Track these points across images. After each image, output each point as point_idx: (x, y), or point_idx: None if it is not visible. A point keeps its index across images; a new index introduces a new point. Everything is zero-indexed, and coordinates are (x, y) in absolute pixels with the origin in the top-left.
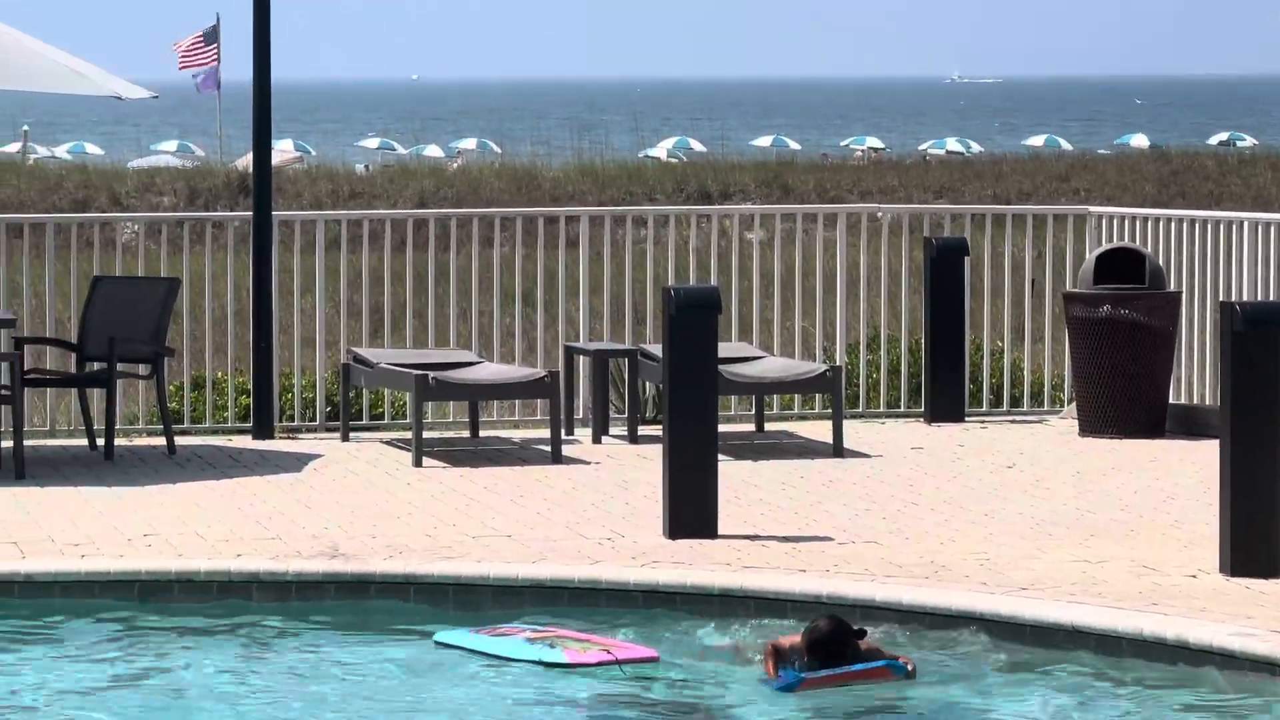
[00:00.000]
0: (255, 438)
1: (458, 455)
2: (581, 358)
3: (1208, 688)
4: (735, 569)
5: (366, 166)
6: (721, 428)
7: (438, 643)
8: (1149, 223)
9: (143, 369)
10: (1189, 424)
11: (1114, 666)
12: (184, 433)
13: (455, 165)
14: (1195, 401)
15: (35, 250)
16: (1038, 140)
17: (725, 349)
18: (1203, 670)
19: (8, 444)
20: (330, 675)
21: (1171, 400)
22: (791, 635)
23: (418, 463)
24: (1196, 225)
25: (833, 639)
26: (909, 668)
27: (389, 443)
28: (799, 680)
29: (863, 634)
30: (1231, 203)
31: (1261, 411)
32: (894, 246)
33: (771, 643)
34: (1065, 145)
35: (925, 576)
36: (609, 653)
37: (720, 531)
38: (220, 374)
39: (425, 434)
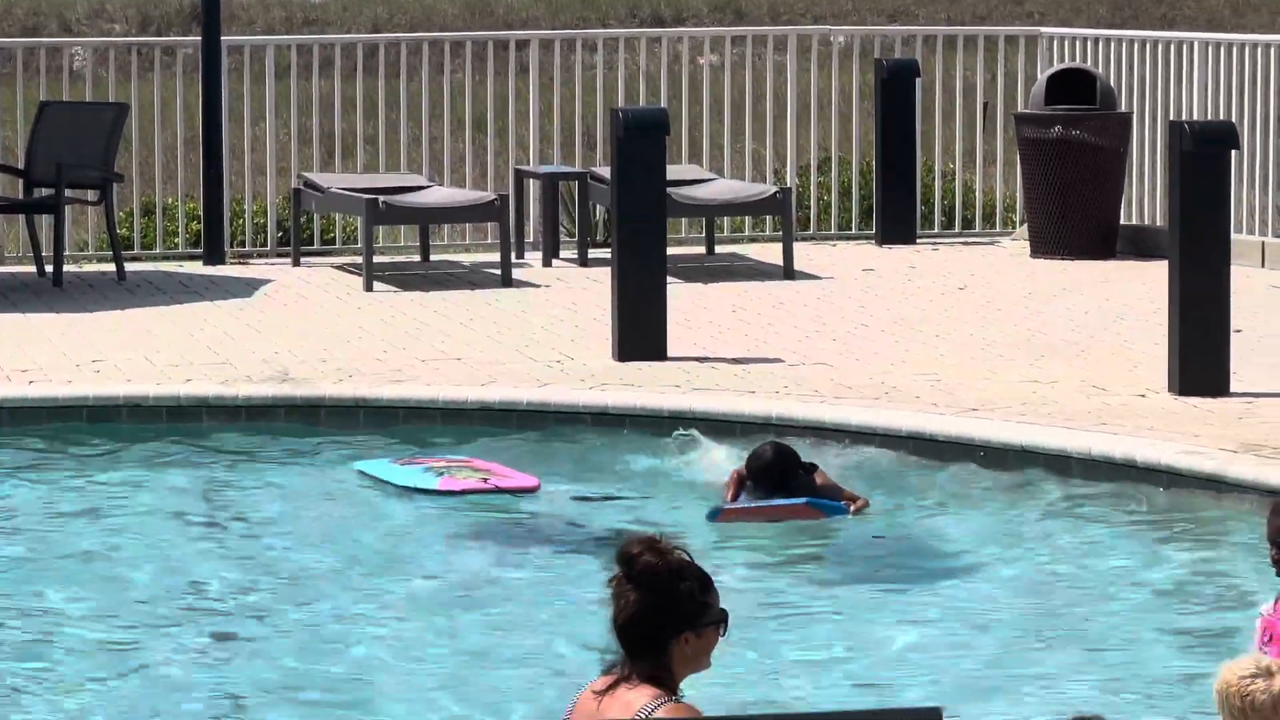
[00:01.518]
0: (206, 263)
1: (408, 279)
2: (532, 181)
3: (1155, 505)
4: (685, 391)
5: None
6: (671, 250)
7: (360, 472)
8: (1100, 44)
9: (91, 195)
10: (1139, 244)
11: (1064, 485)
12: (134, 259)
13: None
14: (1145, 222)
15: None
16: None
17: (675, 171)
18: (1151, 488)
19: None
20: (258, 500)
21: (1122, 221)
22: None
23: (368, 287)
24: (1147, 46)
25: (774, 467)
26: (852, 509)
27: (340, 267)
28: (718, 511)
29: (813, 467)
30: (1184, 25)
31: (1209, 231)
32: (845, 69)
33: (735, 472)
34: None
35: (875, 398)
36: (485, 481)
37: (670, 354)
38: (171, 200)
39: (376, 258)
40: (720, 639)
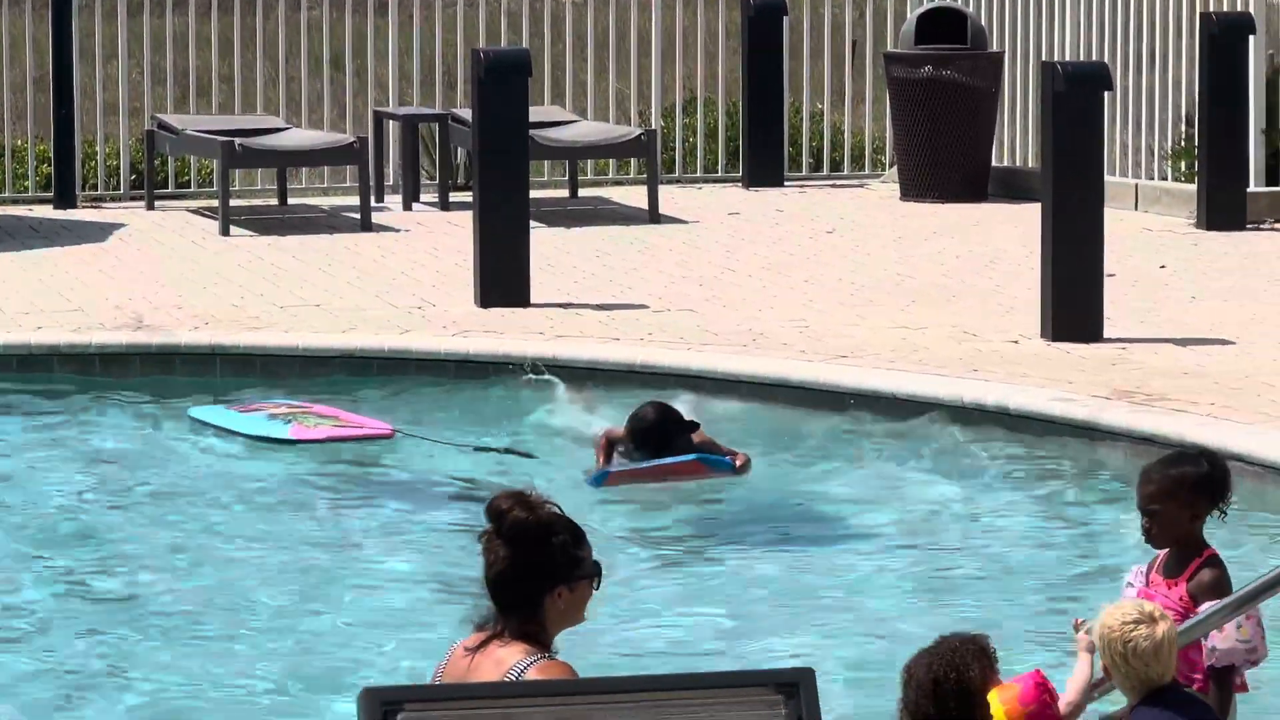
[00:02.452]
0: (57, 207)
1: (265, 223)
2: (391, 123)
3: (1027, 453)
4: (548, 338)
5: None
6: (534, 194)
7: (192, 418)
8: None
9: None
10: (1011, 187)
11: (934, 434)
12: None
13: None
14: (1018, 164)
15: None
16: None
17: (537, 113)
18: (1023, 435)
19: None
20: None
21: (994, 163)
22: (618, 427)
23: (225, 231)
24: None
25: (657, 428)
26: (737, 463)
27: (195, 211)
28: (604, 475)
29: (694, 426)
30: None
31: (1082, 172)
32: (712, 7)
33: (605, 433)
34: None
35: (744, 345)
36: (341, 428)
37: (533, 300)
38: (20, 141)
39: (232, 202)
40: (594, 592)
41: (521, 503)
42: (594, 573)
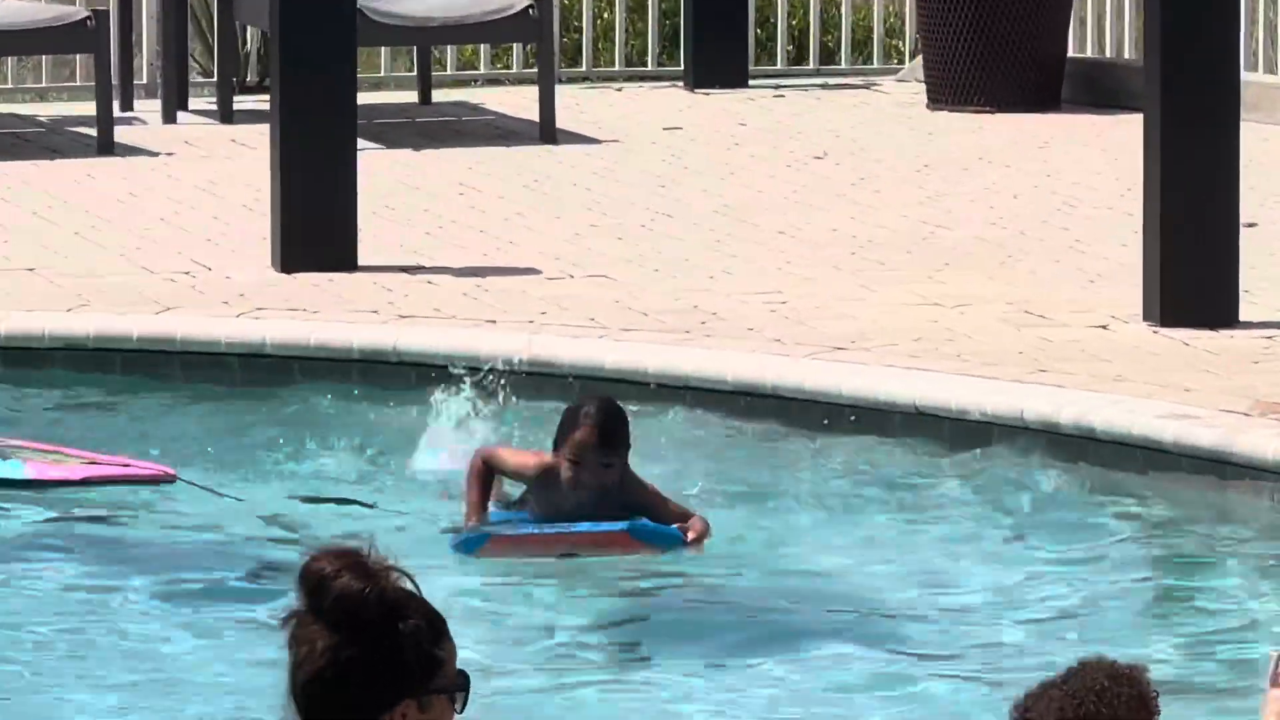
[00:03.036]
0: None
1: None
2: None
3: (1123, 495)
4: (386, 320)
5: None
6: (365, 99)
7: None
8: None
9: None
10: (1098, 90)
11: (980, 464)
12: None
13: None
14: (1107, 55)
15: None
16: None
17: None
18: (1117, 470)
19: None
20: None
21: (1071, 53)
22: (516, 450)
23: None
24: None
25: (614, 428)
26: (688, 536)
27: None
28: (480, 539)
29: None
30: None
31: (1207, 68)
32: None
33: (480, 458)
34: None
35: (686, 331)
36: (99, 467)
37: (361, 262)
38: None
39: None
40: (457, 717)
41: (353, 567)
42: (458, 686)
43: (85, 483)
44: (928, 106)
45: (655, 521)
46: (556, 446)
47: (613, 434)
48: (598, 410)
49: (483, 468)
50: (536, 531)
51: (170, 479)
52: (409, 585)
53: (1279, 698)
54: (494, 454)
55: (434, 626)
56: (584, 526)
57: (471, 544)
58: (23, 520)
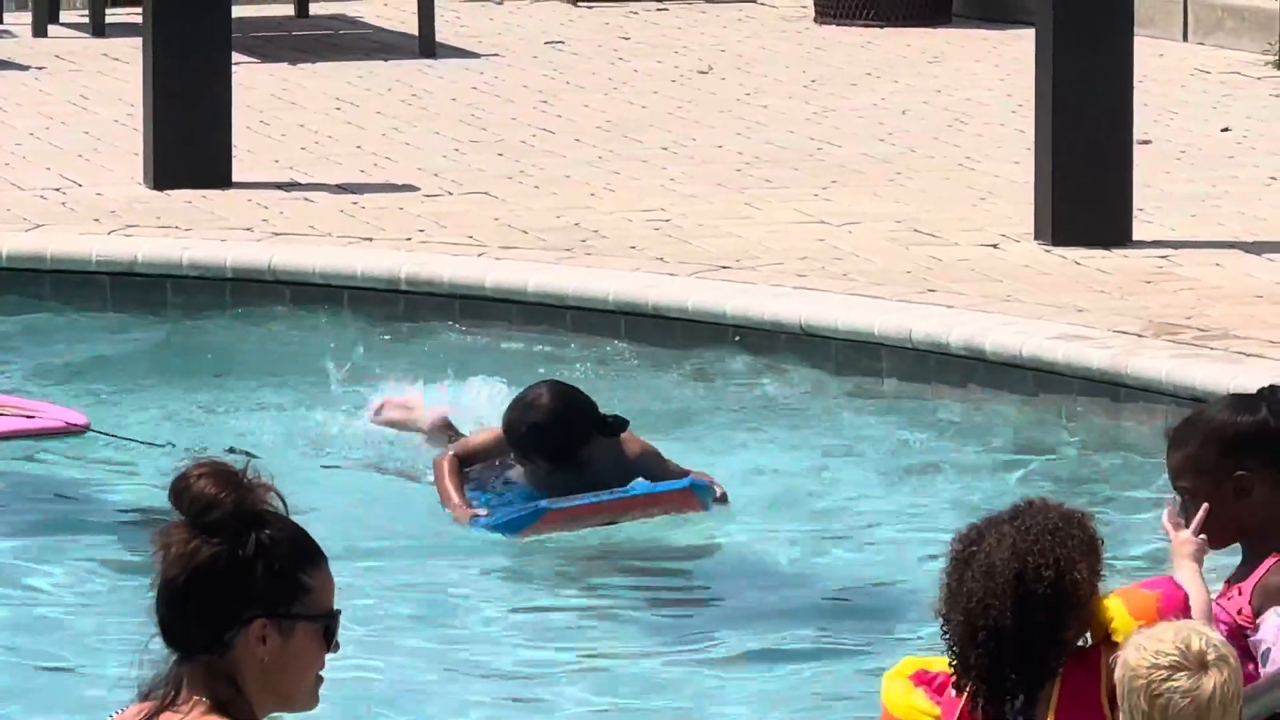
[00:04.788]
0: None
1: None
2: None
3: (1014, 418)
4: (260, 238)
5: None
6: (239, 10)
7: None
8: None
9: None
10: (989, 4)
11: (865, 385)
12: None
13: None
14: None
15: None
16: None
17: None
18: (1007, 391)
19: None
20: None
21: None
22: (482, 432)
23: None
24: None
25: (564, 429)
26: (718, 492)
27: None
28: (533, 514)
29: (623, 424)
30: None
31: None
32: None
33: (453, 454)
34: None
35: (567, 249)
36: (30, 418)
37: (236, 178)
38: None
39: None
40: (324, 655)
41: (216, 474)
42: (323, 617)
43: (10, 436)
44: (815, 20)
45: (658, 479)
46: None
47: (530, 440)
48: (516, 408)
49: (455, 462)
50: (595, 500)
51: (80, 430)
52: (279, 502)
53: (1182, 539)
54: (462, 445)
55: (299, 549)
56: (642, 488)
57: (523, 521)
58: None
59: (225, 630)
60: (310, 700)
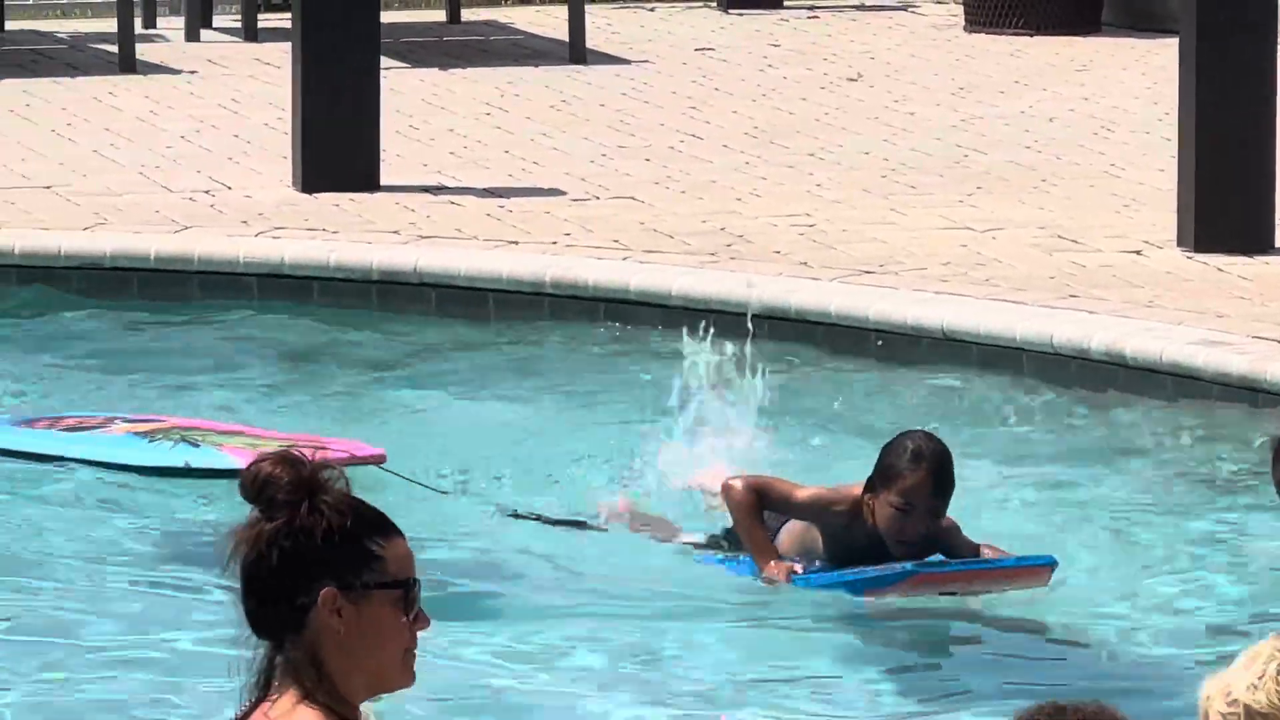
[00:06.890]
0: None
1: None
2: None
3: (1154, 422)
4: (407, 240)
5: None
6: (390, 16)
7: None
8: None
9: None
10: (1137, 12)
11: (1008, 391)
12: None
13: None
14: None
15: None
16: None
17: None
18: (1148, 396)
19: None
20: None
21: None
22: (793, 484)
23: None
24: None
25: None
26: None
27: None
28: (906, 572)
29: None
30: None
31: None
32: None
33: (748, 488)
34: None
35: (712, 253)
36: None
37: (384, 181)
38: None
39: None
40: (413, 629)
41: (281, 460)
42: (397, 584)
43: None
44: (965, 28)
45: (954, 555)
46: (873, 487)
47: (948, 479)
48: (931, 455)
49: (755, 501)
50: (960, 569)
51: (379, 460)
52: (345, 487)
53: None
54: (767, 486)
55: (362, 517)
56: (1010, 562)
57: (884, 581)
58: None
59: (299, 599)
60: (403, 676)
